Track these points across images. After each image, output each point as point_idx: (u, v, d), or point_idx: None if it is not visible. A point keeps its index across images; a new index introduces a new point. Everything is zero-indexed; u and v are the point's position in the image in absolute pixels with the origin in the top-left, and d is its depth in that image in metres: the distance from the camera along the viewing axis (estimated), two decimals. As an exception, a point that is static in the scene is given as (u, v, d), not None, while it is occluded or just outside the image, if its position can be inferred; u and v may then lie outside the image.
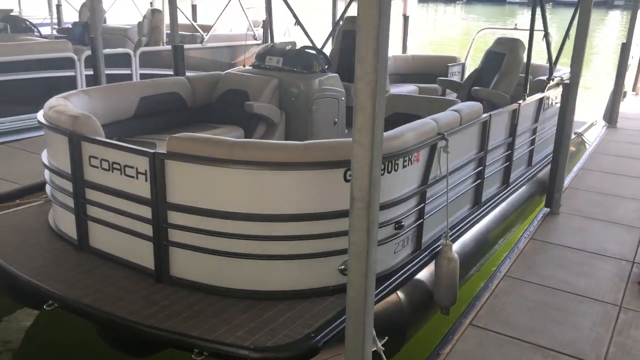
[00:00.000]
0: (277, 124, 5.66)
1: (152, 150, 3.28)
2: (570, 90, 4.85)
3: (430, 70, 8.95)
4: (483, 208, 4.97)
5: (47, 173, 4.11)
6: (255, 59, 6.13)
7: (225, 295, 3.30)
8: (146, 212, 3.39)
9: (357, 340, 2.05)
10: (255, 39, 10.97)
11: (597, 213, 5.00)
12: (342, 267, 3.38)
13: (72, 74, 8.01)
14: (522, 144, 5.79)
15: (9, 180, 5.50)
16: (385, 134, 3.53)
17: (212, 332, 2.94)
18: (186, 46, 9.53)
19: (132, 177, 3.42)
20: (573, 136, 8.10)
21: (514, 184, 5.67)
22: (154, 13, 9.58)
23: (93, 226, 3.78)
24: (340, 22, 7.69)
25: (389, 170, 3.42)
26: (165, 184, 3.29)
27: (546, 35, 5.70)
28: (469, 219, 4.70)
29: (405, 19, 12.38)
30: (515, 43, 6.03)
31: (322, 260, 3.35)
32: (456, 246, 4.65)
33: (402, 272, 3.75)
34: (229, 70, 6.19)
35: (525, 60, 6.13)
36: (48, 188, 4.17)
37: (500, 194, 5.37)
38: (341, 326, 3.13)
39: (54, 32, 11.09)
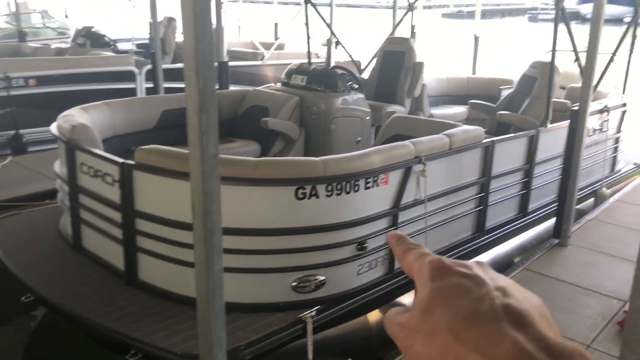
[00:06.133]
0: (295, 140, 5.78)
1: (121, 160, 3.51)
2: (578, 117, 4.57)
3: (485, 92, 8.69)
4: (488, 236, 4.79)
5: (57, 180, 4.47)
6: (283, 77, 6.31)
7: (181, 302, 3.44)
8: (118, 217, 3.63)
9: (206, 344, 2.11)
10: (318, 57, 11.19)
11: (610, 248, 4.65)
12: (295, 283, 3.42)
13: (133, 86, 8.61)
14: (548, 171, 5.51)
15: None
16: (348, 155, 3.57)
17: (150, 335, 3.09)
18: (242, 63, 10.02)
19: (110, 184, 3.67)
20: (632, 166, 7.58)
21: (534, 214, 5.41)
22: (170, 21, 10.02)
23: (85, 229, 4.07)
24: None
25: (347, 190, 3.42)
26: (133, 192, 3.50)
27: (577, 58, 5.39)
28: (465, 246, 4.55)
29: (476, 39, 12.10)
30: (548, 67, 5.77)
31: (274, 275, 3.40)
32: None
33: (367, 294, 3.72)
34: (257, 87, 6.40)
35: (563, 85, 5.85)
36: (59, 194, 4.53)
37: (514, 224, 5.14)
38: (278, 342, 3.18)
39: (134, 47, 11.91)
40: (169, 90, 7.95)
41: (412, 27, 8.53)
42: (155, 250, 3.52)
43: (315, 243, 3.43)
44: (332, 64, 7.91)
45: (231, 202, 3.26)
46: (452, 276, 0.47)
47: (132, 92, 8.50)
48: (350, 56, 7.67)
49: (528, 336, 0.41)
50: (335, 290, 3.55)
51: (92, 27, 10.95)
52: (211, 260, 2.05)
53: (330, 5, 10.02)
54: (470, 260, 0.50)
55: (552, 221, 5.33)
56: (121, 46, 11.23)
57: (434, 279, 0.47)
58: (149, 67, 8.55)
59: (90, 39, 10.41)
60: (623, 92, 6.88)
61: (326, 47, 11.28)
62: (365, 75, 7.63)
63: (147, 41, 12.04)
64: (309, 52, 7.31)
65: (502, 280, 0.47)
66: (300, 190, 3.28)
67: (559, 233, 4.73)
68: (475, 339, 0.42)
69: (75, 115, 4.41)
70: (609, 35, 5.81)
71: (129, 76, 8.52)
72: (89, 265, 3.92)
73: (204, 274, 2.09)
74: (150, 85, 8.58)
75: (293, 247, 3.37)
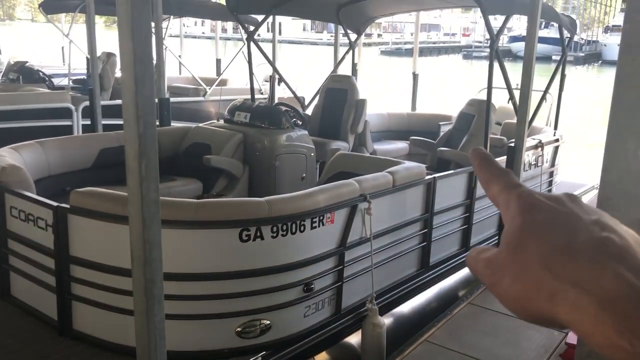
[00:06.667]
0: (239, 178, 5.70)
1: (55, 204, 3.34)
2: (514, 153, 4.74)
3: (425, 128, 8.89)
4: (432, 271, 4.82)
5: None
6: (226, 114, 6.26)
7: (120, 352, 3.26)
8: (51, 263, 3.43)
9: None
10: (262, 94, 11.19)
11: (551, 282, 4.78)
12: (240, 329, 3.31)
13: (70, 123, 8.32)
14: (488, 206, 5.63)
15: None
16: (293, 194, 3.53)
17: (86, 391, 2.90)
18: (183, 99, 9.90)
19: (43, 228, 3.48)
20: (565, 198, 7.88)
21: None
22: (109, 57, 9.88)
23: (15, 276, 3.83)
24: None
25: (293, 231, 3.37)
26: (67, 237, 3.33)
27: (511, 96, 5.60)
28: (411, 282, 4.56)
29: (415, 76, 12.43)
30: (484, 104, 5.96)
31: (218, 321, 3.29)
32: (399, 309, 4.52)
33: (314, 336, 3.64)
34: (199, 124, 6.31)
35: (499, 121, 6.05)
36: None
37: (457, 258, 5.21)
38: (223, 392, 3.05)
39: (70, 82, 11.58)
40: (107, 127, 7.70)
41: (354, 65, 8.68)
42: (91, 297, 3.34)
43: (261, 286, 3.34)
44: (276, 100, 7.93)
45: (172, 246, 3.15)
46: (545, 211, 0.45)
47: (68, 130, 8.20)
48: (293, 93, 7.71)
49: (631, 268, 0.39)
50: (281, 334, 3.45)
51: (27, 62, 10.58)
52: (152, 310, 1.94)
53: (272, 41, 10.11)
54: (562, 193, 0.48)
55: (493, 254, 5.44)
56: (57, 82, 10.90)
57: (524, 213, 0.45)
58: (86, 103, 8.29)
59: (23, 74, 10.06)
60: (555, 128, 7.18)
61: (269, 83, 11.36)
62: (309, 111, 7.68)
63: (84, 77, 11.76)
64: (252, 89, 7.31)
65: (598, 214, 0.45)
66: (245, 232, 3.20)
67: (501, 267, 4.82)
68: (574, 273, 0.40)
69: (5, 155, 4.19)
70: (538, 71, 6.09)
71: (65, 113, 8.23)
72: (19, 315, 3.67)
73: (144, 324, 1.98)
74: (88, 122, 8.32)
75: (237, 291, 3.28)
